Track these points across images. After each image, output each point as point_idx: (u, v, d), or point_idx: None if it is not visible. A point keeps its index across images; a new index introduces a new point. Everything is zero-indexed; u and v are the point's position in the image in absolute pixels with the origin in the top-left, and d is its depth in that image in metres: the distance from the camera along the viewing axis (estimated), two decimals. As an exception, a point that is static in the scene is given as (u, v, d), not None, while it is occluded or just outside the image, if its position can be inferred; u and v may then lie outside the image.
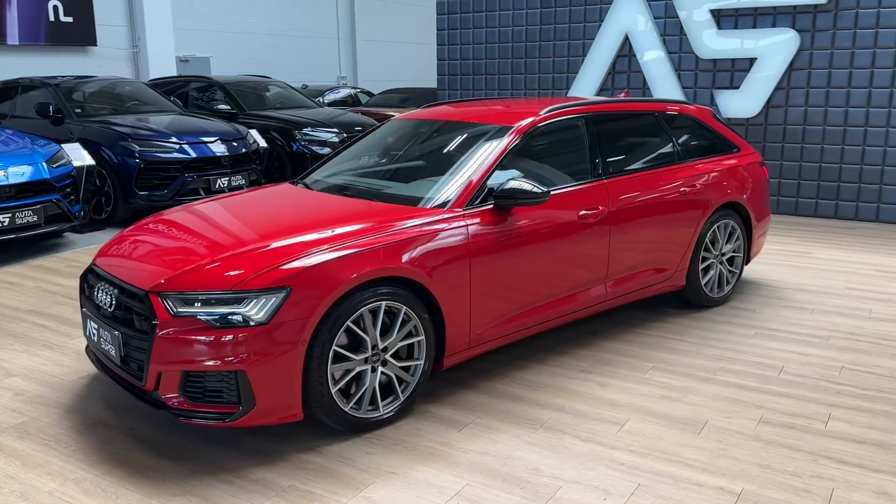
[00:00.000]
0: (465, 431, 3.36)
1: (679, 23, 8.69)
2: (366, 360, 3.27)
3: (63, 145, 7.39)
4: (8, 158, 6.58)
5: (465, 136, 4.29)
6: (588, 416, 3.51)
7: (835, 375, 3.97)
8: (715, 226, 4.97)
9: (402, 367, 3.41)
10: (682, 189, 4.71)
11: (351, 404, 3.25)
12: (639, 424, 3.42)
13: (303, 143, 9.84)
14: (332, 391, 3.16)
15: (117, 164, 7.88)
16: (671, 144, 4.92)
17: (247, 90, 11.12)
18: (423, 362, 3.47)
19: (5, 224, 6.30)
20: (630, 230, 4.41)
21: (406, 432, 3.35)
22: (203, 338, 2.95)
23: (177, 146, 8.07)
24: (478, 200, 3.75)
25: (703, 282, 5.00)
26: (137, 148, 7.89)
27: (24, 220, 6.46)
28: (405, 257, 3.35)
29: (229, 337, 2.94)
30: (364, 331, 3.24)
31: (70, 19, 13.08)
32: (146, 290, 3.09)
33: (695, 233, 4.83)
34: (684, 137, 5.11)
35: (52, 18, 12.79)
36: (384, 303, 3.26)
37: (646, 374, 3.99)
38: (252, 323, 2.96)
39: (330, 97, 14.90)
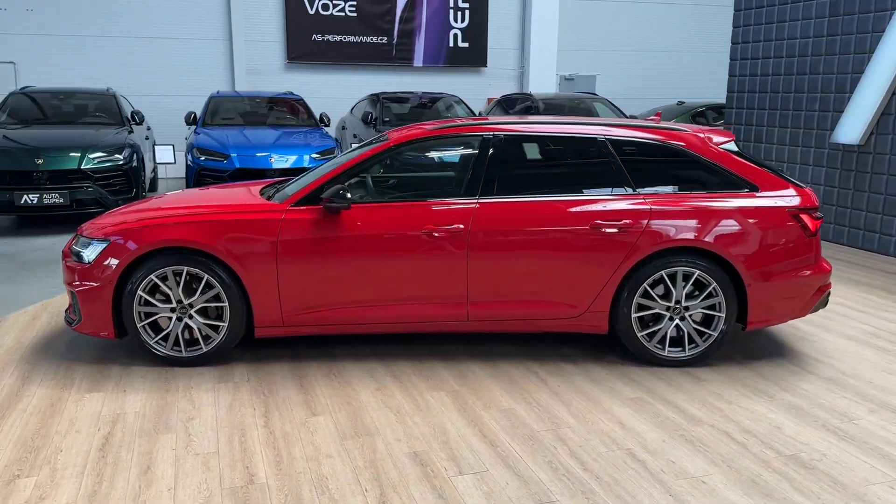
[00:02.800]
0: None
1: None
2: (172, 311, 4.27)
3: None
4: (284, 149, 8.99)
5: (362, 145, 4.74)
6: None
7: None
8: (663, 272, 4.27)
9: (207, 324, 4.29)
10: (596, 222, 4.25)
11: (156, 339, 4.29)
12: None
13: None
14: (139, 325, 4.26)
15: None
16: (613, 174, 4.40)
17: (562, 105, 11.92)
18: (226, 324, 4.27)
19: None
20: (499, 255, 4.27)
21: (185, 373, 4.24)
22: (70, 266, 4.38)
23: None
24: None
25: (643, 333, 4.35)
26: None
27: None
28: (217, 237, 4.19)
29: (77, 269, 4.31)
30: (170, 288, 4.24)
31: (467, 45, 15.64)
32: (75, 233, 4.66)
33: (614, 273, 4.27)
34: (648, 168, 4.47)
35: (451, 45, 15.53)
36: (186, 268, 4.20)
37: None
38: (84, 261, 4.28)
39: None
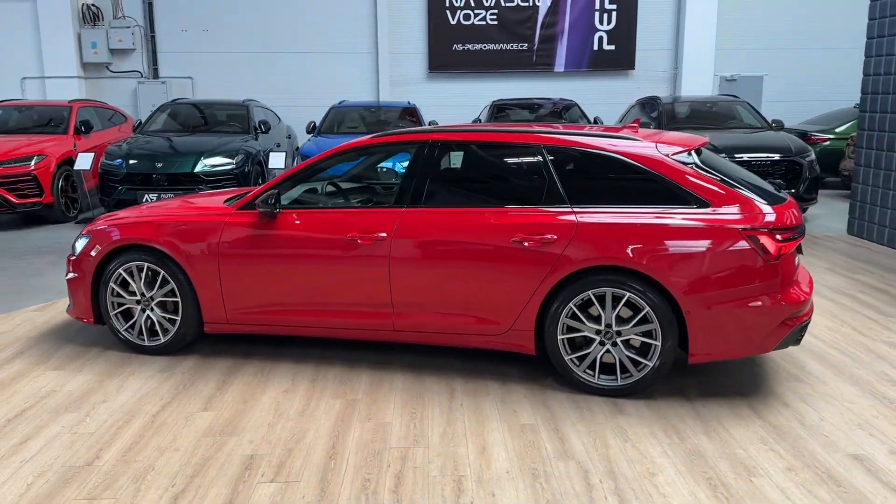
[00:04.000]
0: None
1: None
2: (137, 302, 4.70)
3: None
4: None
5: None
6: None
7: None
8: (591, 292, 3.93)
9: (165, 317, 4.66)
10: (517, 235, 4.01)
11: (125, 327, 4.74)
12: None
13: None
14: (112, 313, 4.74)
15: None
16: (546, 185, 4.11)
17: (695, 108, 11.08)
18: (179, 318, 4.62)
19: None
20: (420, 265, 4.18)
21: (141, 360, 4.63)
22: (67, 257, 4.98)
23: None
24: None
25: (572, 357, 4.03)
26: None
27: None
28: (169, 236, 4.55)
29: (70, 260, 4.90)
30: (135, 281, 4.67)
31: (613, 47, 15.09)
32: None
33: (536, 291, 4.00)
34: (585, 179, 4.11)
35: (595, 48, 15.07)
36: (146, 264, 4.60)
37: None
38: (74, 254, 4.84)
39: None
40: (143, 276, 4.65)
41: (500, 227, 4.07)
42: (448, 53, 14.99)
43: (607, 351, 3.98)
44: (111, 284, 4.70)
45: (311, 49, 14.97)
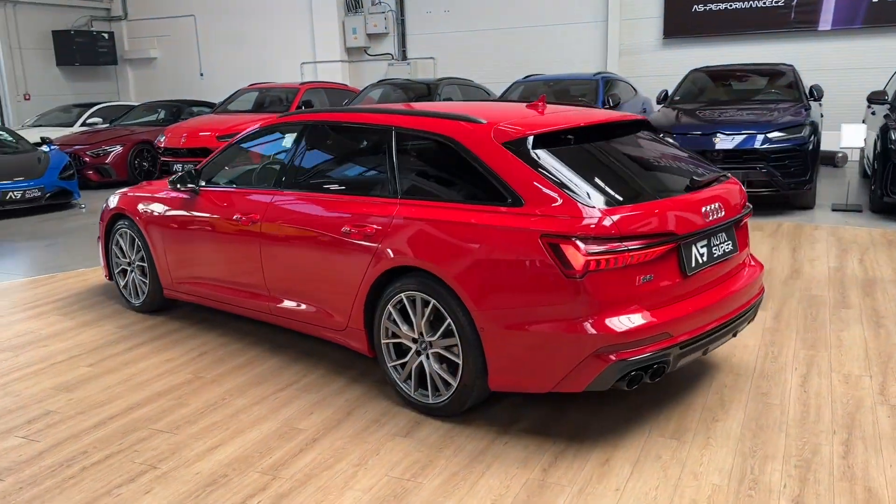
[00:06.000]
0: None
1: None
2: (128, 264, 5.36)
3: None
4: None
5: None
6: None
7: None
8: (403, 295, 3.49)
9: (142, 280, 5.25)
10: (345, 227, 3.70)
11: (123, 284, 5.44)
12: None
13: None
14: (115, 271, 5.48)
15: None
16: (386, 172, 3.67)
17: None
18: (147, 281, 5.16)
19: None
20: (277, 250, 4.09)
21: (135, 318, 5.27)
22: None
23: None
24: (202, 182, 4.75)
25: (395, 364, 3.63)
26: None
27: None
28: (137, 210, 5.07)
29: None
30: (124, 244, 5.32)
31: (899, -3, 12.12)
32: None
33: (359, 289, 3.66)
34: (418, 165, 3.59)
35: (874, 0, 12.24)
36: (128, 231, 5.21)
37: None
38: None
39: None
40: (127, 241, 5.28)
41: (334, 217, 3.80)
42: (687, 15, 13.47)
43: (422, 363, 3.51)
44: (113, 245, 5.43)
45: (543, 21, 14.66)
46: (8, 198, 9.62)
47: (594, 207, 3.03)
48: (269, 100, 12.48)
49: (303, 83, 12.71)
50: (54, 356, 4.52)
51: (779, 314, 4.81)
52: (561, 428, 3.35)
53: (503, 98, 10.86)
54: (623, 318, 3.00)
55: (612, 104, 9.97)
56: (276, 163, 4.41)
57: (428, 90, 11.57)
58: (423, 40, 15.99)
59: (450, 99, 11.41)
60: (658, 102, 10.06)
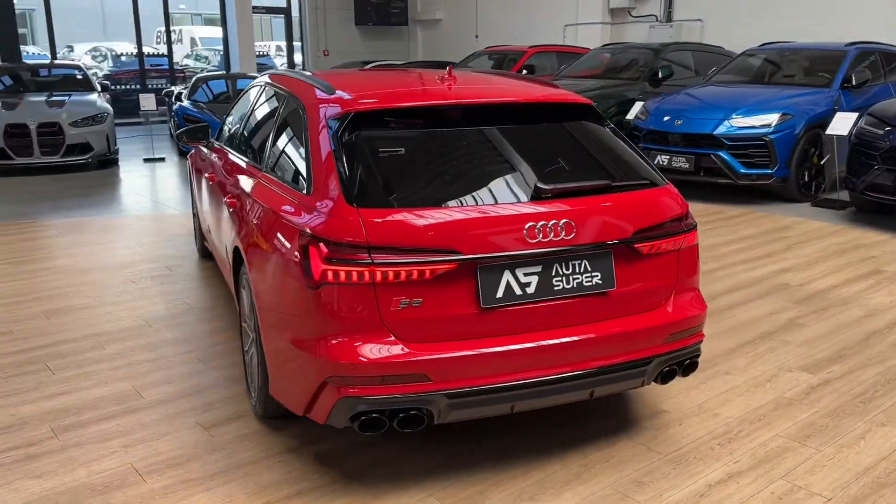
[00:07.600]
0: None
1: None
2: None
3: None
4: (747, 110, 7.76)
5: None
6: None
7: None
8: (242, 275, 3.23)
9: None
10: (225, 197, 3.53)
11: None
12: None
13: None
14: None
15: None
16: (255, 134, 3.50)
17: None
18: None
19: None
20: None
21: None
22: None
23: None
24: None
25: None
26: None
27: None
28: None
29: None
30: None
31: None
32: None
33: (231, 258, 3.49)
34: (283, 135, 3.27)
35: None
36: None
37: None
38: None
39: None
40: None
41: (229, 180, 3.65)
42: None
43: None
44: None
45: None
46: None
47: (354, 207, 2.44)
48: (504, 62, 12.36)
49: (532, 46, 12.32)
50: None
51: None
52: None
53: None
54: (364, 346, 2.40)
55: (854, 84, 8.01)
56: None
57: (654, 54, 10.44)
58: (691, 1, 14.35)
59: (669, 65, 10.13)
60: None
